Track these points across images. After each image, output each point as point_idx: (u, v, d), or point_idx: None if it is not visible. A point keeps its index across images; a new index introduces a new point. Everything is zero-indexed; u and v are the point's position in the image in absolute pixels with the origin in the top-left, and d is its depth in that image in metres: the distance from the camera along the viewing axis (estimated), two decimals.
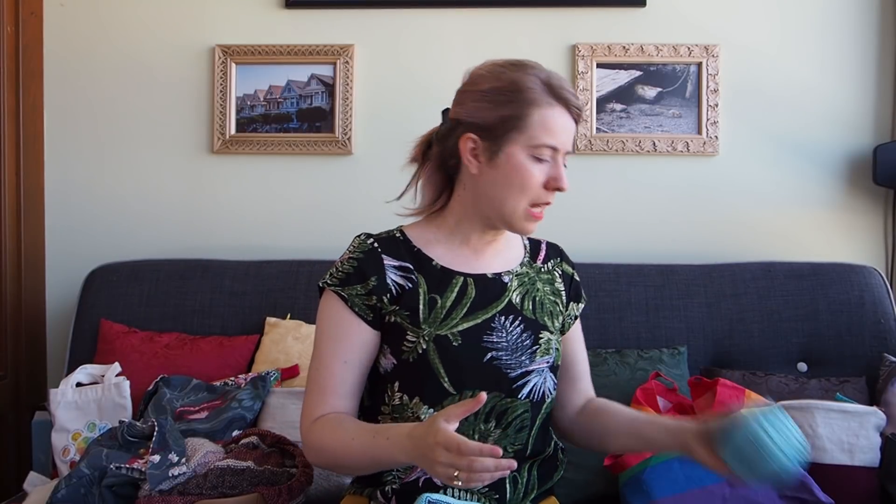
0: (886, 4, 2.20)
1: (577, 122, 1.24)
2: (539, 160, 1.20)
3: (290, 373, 1.88)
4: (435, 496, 1.18)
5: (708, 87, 2.20)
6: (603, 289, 1.99)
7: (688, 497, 1.52)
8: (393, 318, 1.23)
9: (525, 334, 1.26)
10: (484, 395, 1.03)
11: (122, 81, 2.31)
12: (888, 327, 1.92)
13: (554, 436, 1.36)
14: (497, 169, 1.21)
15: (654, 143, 2.21)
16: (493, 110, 1.21)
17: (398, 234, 1.30)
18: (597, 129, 2.23)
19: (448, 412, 1.03)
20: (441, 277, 1.26)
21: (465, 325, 1.23)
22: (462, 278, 1.26)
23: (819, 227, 2.21)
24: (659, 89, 2.23)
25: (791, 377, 1.85)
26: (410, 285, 1.24)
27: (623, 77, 2.23)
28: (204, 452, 1.51)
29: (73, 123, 2.32)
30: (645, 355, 1.86)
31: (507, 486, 1.25)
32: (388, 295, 1.23)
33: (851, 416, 1.59)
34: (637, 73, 2.23)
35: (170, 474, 1.45)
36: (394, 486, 1.24)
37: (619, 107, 2.24)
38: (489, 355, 1.23)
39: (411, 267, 1.25)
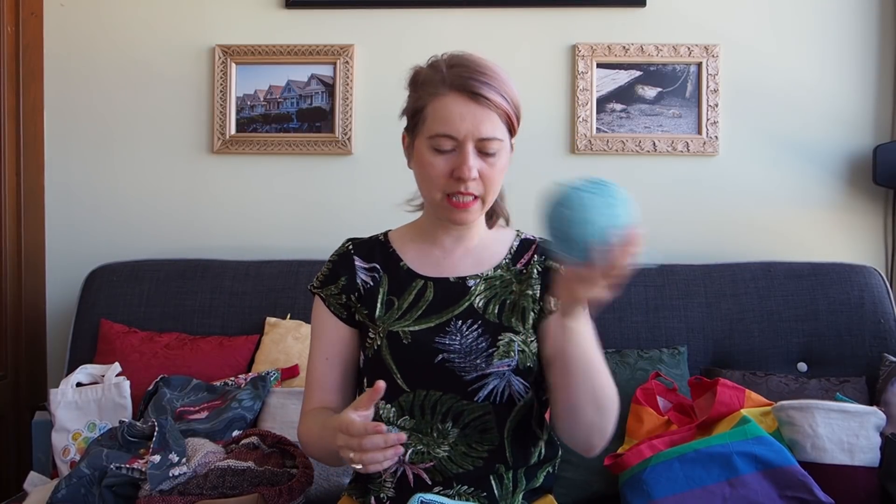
0: (886, 4, 2.20)
1: (493, 103, 1.17)
2: (440, 151, 1.19)
3: (290, 373, 1.88)
4: (428, 496, 1.18)
5: (708, 87, 2.20)
6: None
7: (688, 497, 1.51)
8: (358, 317, 1.30)
9: (482, 338, 1.23)
10: (381, 384, 1.07)
11: (122, 81, 2.31)
12: (888, 327, 1.92)
13: (543, 438, 1.31)
14: (414, 163, 1.25)
15: (654, 143, 2.21)
16: (406, 106, 1.26)
17: (380, 237, 1.35)
18: (597, 129, 2.23)
19: (356, 402, 1.09)
20: (404, 279, 1.29)
21: (417, 327, 1.25)
22: (423, 281, 1.28)
23: (819, 227, 2.21)
24: (659, 89, 2.23)
25: (791, 377, 1.85)
26: (373, 284, 1.29)
27: (623, 77, 2.23)
28: (204, 453, 1.51)
29: (73, 123, 2.32)
30: (645, 355, 1.86)
31: (493, 483, 1.25)
32: (356, 293, 1.29)
33: (851, 416, 1.58)
34: (637, 73, 2.23)
35: (170, 474, 1.45)
36: (389, 495, 1.25)
37: (619, 107, 2.24)
38: (440, 357, 1.22)
39: (378, 268, 1.30)
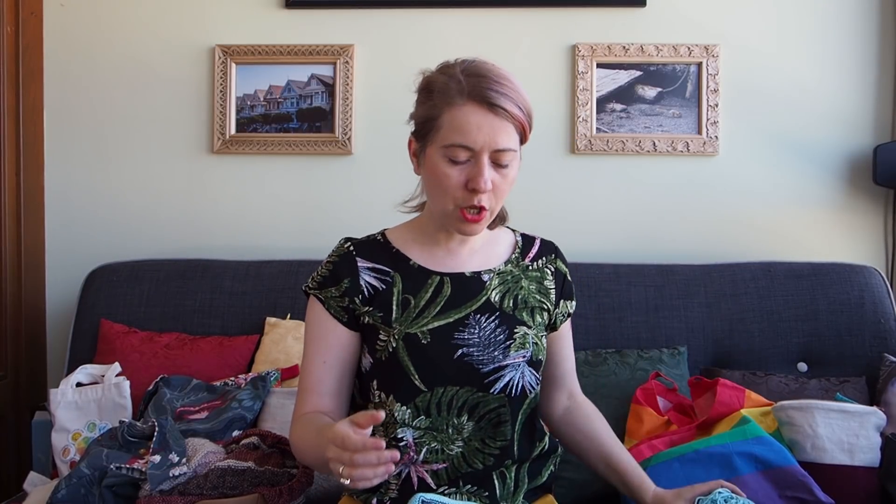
0: (886, 4, 2.20)
1: (509, 114, 1.17)
2: (455, 162, 1.18)
3: (290, 373, 1.88)
4: (428, 496, 1.18)
5: (708, 87, 2.20)
6: (603, 289, 1.99)
7: None
8: (367, 319, 1.26)
9: (499, 329, 1.25)
10: (382, 414, 1.02)
11: (122, 81, 2.31)
12: (888, 327, 1.92)
13: (547, 433, 1.37)
14: (424, 170, 1.24)
15: (654, 143, 2.21)
16: (417, 112, 1.24)
17: (379, 237, 1.33)
18: (597, 129, 2.23)
19: (355, 417, 1.03)
20: (417, 277, 1.28)
21: (437, 324, 1.24)
22: (438, 277, 1.28)
23: (819, 227, 2.21)
24: (659, 89, 2.23)
25: (791, 377, 1.85)
26: (384, 286, 1.27)
27: (623, 77, 2.23)
28: (204, 453, 1.51)
29: (73, 123, 2.32)
30: (645, 355, 1.86)
31: (496, 482, 1.25)
32: (360, 296, 1.26)
33: (851, 416, 1.58)
34: (637, 73, 2.23)
35: (170, 474, 1.45)
36: (391, 496, 1.25)
37: (619, 107, 2.24)
38: (460, 352, 1.23)
39: (386, 269, 1.28)
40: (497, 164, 1.18)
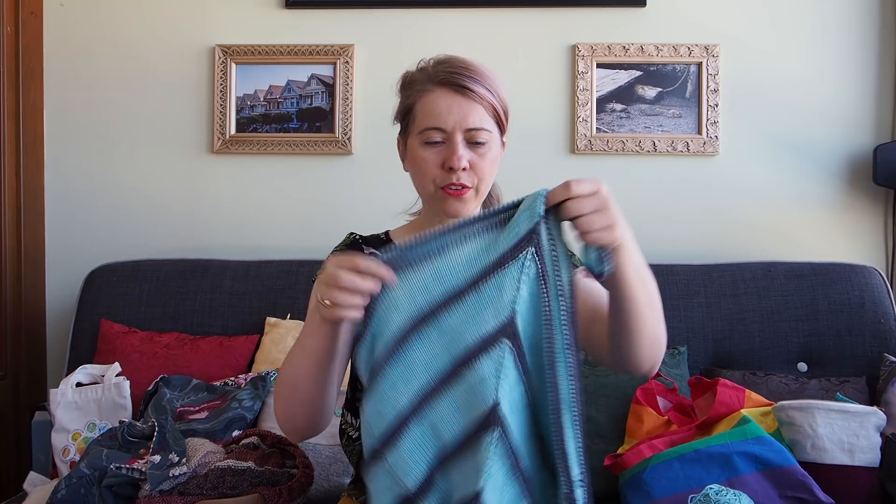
0: (886, 4, 2.20)
1: (475, 94, 1.20)
2: (431, 144, 1.22)
3: None
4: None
5: (708, 86, 2.20)
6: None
7: (688, 497, 1.51)
8: None
9: None
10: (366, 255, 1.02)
11: (122, 81, 2.31)
12: (888, 327, 1.92)
13: None
14: (408, 162, 1.28)
15: (654, 143, 2.21)
16: (397, 109, 1.30)
17: (382, 236, 1.37)
18: (597, 129, 2.23)
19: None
20: None
21: None
22: None
23: (819, 227, 2.21)
24: (659, 89, 2.23)
25: (791, 377, 1.85)
26: None
27: (623, 77, 2.23)
28: (204, 453, 1.51)
29: (73, 123, 2.32)
30: None
31: None
32: None
33: (852, 416, 1.58)
34: (637, 73, 2.23)
35: (170, 474, 1.45)
36: None
37: (619, 107, 2.24)
38: None
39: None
40: (472, 143, 1.22)
